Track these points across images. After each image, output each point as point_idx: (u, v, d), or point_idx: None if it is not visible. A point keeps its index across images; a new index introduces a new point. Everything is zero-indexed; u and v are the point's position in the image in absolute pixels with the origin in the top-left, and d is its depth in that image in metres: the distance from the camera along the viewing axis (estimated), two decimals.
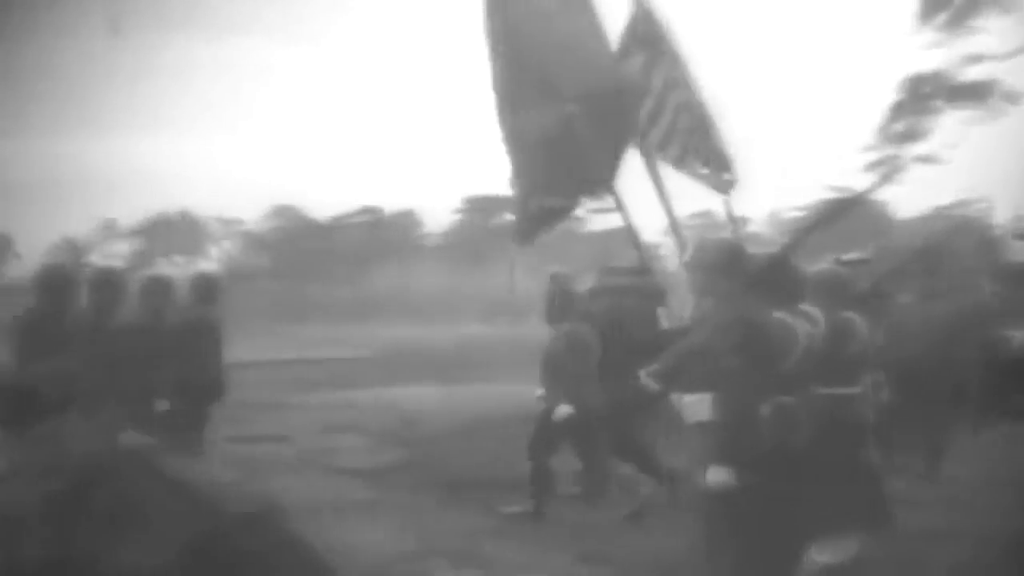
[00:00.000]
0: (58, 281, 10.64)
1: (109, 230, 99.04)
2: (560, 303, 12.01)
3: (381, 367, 26.15)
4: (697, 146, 13.80)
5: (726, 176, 13.94)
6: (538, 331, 13.14)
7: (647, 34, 13.87)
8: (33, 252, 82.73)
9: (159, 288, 11.59)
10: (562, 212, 14.16)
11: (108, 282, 11.03)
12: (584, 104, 12.77)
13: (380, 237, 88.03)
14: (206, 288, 12.04)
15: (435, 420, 15.48)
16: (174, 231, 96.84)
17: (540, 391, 11.96)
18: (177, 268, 76.69)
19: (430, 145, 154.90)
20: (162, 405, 10.89)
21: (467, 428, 13.19)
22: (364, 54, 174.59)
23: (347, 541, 10.37)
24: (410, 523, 11.17)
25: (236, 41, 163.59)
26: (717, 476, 6.57)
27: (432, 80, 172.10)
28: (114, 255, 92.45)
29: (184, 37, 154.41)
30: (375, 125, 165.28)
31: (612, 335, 12.02)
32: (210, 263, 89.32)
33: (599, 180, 13.26)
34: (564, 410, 11.52)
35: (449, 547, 10.27)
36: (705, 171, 13.89)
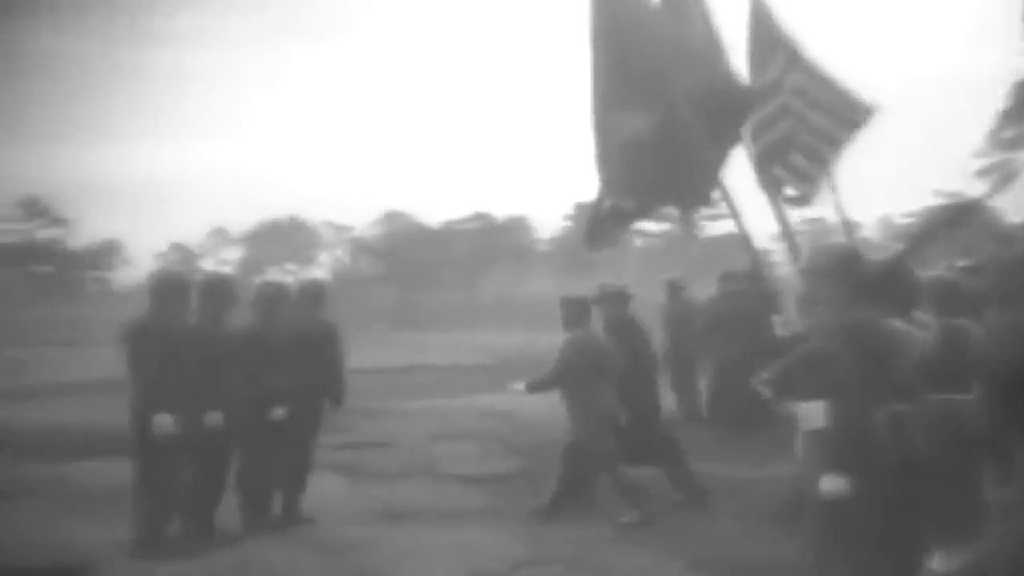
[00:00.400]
0: (171, 287, 10.73)
1: (219, 236, 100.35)
2: (575, 310, 11.94)
3: (492, 374, 26.13)
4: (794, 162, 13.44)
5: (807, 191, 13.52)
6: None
7: (771, 39, 13.58)
8: (142, 257, 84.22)
9: (275, 294, 11.67)
10: (634, 215, 13.77)
11: (220, 288, 11.11)
12: (691, 105, 12.47)
13: (492, 243, 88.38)
14: (314, 295, 12.08)
15: (548, 427, 15.42)
16: (284, 238, 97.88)
17: (518, 385, 12.05)
18: (288, 275, 77.50)
19: (543, 151, 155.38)
20: (277, 413, 10.97)
21: None
22: (478, 60, 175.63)
23: (461, 548, 10.41)
24: (525, 530, 11.21)
25: (338, 44, 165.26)
26: (831, 484, 6.50)
27: (546, 84, 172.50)
28: (224, 262, 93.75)
29: (293, 43, 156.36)
30: (488, 131, 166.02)
31: (626, 343, 12.01)
32: (321, 270, 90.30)
33: (698, 185, 12.94)
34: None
35: (564, 554, 10.28)
36: (792, 191, 13.51)
